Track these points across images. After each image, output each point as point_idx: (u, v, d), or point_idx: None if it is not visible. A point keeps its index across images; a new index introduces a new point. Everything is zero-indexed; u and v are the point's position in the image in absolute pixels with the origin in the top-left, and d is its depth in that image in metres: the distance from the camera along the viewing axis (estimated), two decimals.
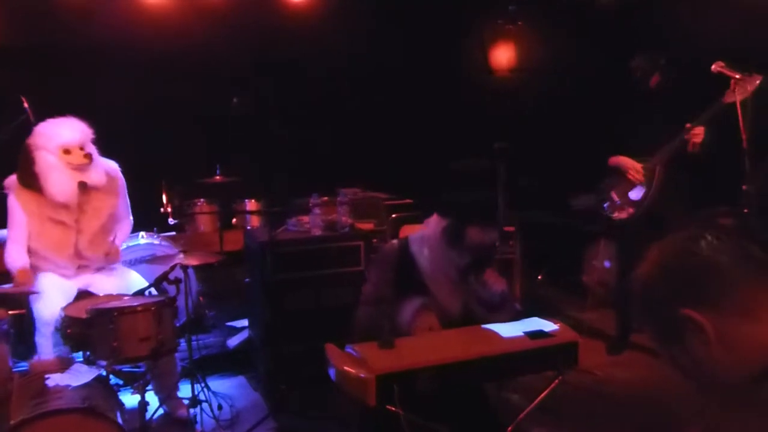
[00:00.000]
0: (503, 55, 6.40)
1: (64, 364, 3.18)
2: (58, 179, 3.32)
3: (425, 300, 2.56)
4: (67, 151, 3.35)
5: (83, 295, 3.46)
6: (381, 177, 5.54)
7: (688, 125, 3.81)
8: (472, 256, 2.47)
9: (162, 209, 4.91)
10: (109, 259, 3.55)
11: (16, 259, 3.38)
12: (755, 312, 1.07)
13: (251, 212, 5.20)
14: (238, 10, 5.70)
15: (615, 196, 4.19)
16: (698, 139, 3.81)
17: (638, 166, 4.06)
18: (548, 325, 2.46)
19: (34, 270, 3.49)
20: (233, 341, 4.36)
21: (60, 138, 3.33)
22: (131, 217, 3.77)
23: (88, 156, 3.38)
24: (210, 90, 5.23)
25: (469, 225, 2.45)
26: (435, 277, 2.60)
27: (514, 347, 2.33)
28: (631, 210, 4.12)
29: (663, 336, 1.17)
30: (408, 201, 5.18)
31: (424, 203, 2.87)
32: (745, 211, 3.26)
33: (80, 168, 3.37)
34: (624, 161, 4.11)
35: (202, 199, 5.16)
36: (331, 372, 2.31)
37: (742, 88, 3.37)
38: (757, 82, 3.39)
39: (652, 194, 4.03)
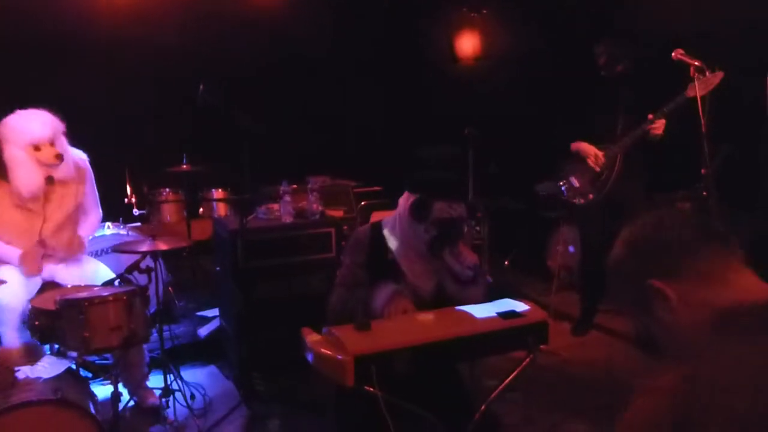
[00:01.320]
0: (468, 44, 6.46)
1: (30, 352, 3.12)
2: (26, 175, 3.24)
3: (398, 285, 2.59)
4: (36, 148, 3.25)
5: (48, 286, 3.39)
6: (348, 165, 5.56)
7: (650, 116, 3.91)
8: (438, 230, 2.52)
9: (126, 199, 4.84)
10: (72, 250, 3.49)
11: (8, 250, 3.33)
12: (712, 277, 1.18)
13: (221, 200, 5.14)
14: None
15: (575, 181, 4.27)
16: (659, 131, 3.92)
17: (600, 152, 4.15)
18: (519, 306, 2.52)
19: None
20: (204, 330, 4.33)
21: (30, 134, 3.23)
22: (100, 210, 3.71)
23: (59, 156, 3.29)
24: (176, 78, 5.14)
25: (436, 199, 2.50)
26: (406, 255, 2.63)
27: (487, 327, 2.37)
28: (591, 195, 4.21)
29: (635, 307, 1.26)
30: (377, 188, 5.21)
31: (395, 185, 2.90)
32: (704, 193, 3.38)
33: (49, 165, 3.30)
34: (584, 147, 4.19)
35: (167, 189, 5.08)
36: (309, 355, 2.32)
37: (704, 83, 3.45)
38: (719, 78, 3.48)
39: (612, 180, 4.14)
